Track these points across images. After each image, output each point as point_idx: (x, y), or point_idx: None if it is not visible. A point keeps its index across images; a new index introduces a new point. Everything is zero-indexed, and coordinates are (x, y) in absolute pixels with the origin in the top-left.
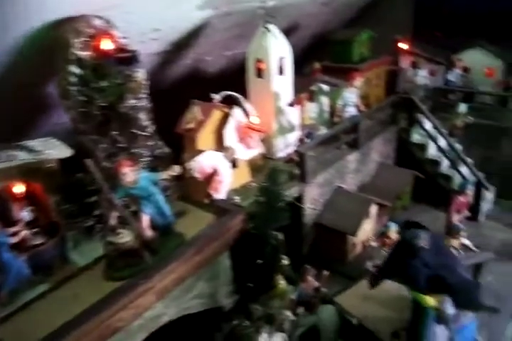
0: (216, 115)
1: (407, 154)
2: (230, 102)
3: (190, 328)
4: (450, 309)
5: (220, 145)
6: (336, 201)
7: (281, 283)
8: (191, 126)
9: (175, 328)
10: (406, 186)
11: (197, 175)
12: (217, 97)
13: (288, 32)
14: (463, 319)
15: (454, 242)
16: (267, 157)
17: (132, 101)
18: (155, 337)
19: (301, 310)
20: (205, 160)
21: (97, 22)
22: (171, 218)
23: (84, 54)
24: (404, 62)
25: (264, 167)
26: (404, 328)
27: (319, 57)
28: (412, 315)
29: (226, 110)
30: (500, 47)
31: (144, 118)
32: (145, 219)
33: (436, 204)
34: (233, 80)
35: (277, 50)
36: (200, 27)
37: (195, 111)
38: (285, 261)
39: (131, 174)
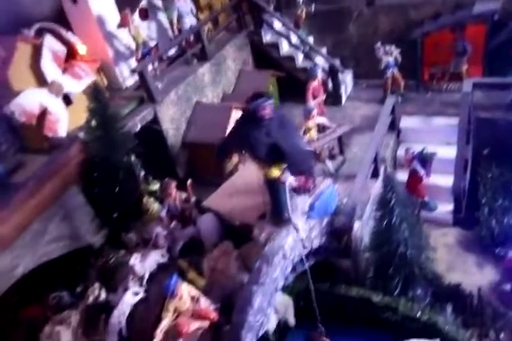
0: (23, 49)
1: (264, 56)
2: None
3: (63, 270)
4: (289, 179)
5: (42, 82)
6: (198, 116)
7: (154, 206)
8: None
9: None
10: (267, 87)
11: (22, 119)
12: (29, 32)
13: None
14: (320, 186)
15: (310, 124)
16: (113, 88)
17: None
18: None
19: (174, 224)
20: (27, 101)
21: None
22: (1, 172)
23: None
24: None
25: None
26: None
27: None
28: (269, 191)
29: (35, 41)
30: None
31: None
32: None
33: (302, 99)
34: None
35: None
36: None
37: None
38: (155, 186)
39: None
